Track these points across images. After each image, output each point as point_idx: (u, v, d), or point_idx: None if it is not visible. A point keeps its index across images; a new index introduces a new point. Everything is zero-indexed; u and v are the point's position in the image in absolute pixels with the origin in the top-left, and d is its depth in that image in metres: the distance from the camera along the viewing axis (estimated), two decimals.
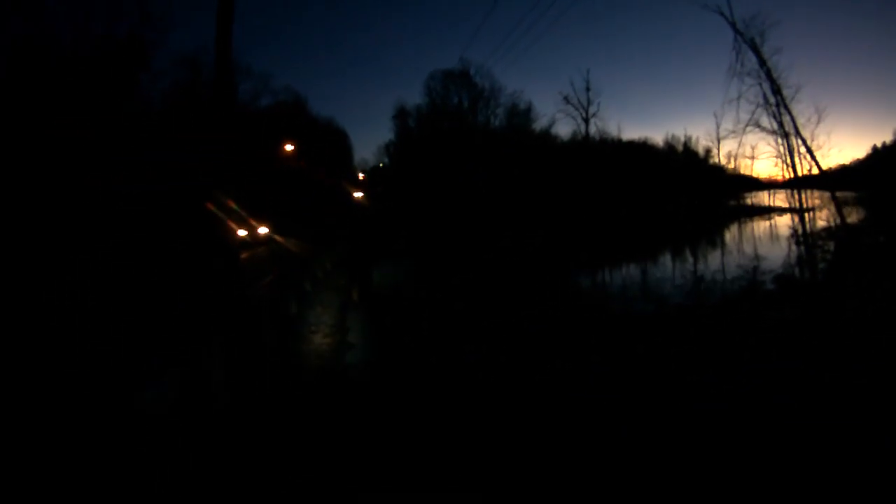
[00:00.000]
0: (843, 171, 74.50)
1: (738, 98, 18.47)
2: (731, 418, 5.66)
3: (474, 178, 42.75)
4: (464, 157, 45.36)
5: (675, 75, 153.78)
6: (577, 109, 43.95)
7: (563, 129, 55.09)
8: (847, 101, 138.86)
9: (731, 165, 44.79)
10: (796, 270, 14.15)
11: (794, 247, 18.47)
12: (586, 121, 44.28)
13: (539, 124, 45.88)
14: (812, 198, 46.26)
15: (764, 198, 42.42)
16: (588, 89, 43.79)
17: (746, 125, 20.22)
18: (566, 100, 44.04)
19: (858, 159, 68.25)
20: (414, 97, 79.79)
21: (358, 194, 48.80)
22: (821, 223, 27.11)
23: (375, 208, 42.39)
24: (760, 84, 18.80)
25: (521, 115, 46.06)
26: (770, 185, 42.51)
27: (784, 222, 31.63)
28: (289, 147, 34.19)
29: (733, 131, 22.33)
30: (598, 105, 43.76)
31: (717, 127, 46.82)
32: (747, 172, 43.60)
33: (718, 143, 42.80)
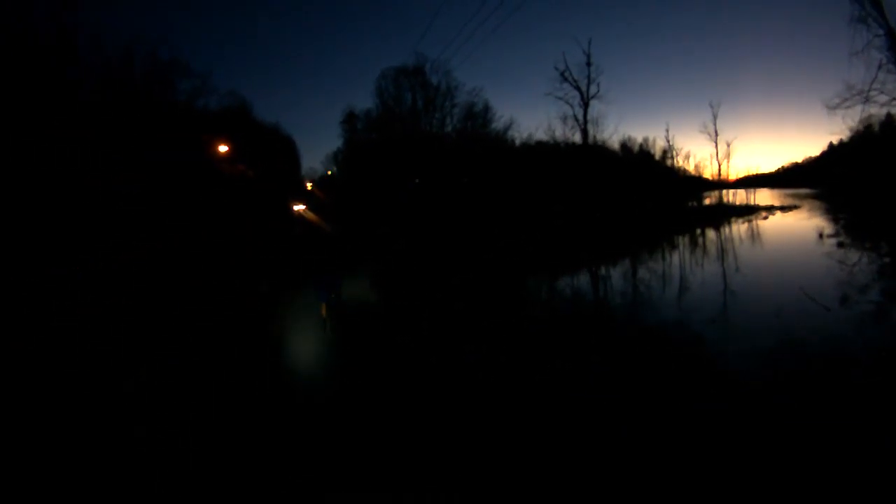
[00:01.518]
0: (796, 168, 76.05)
1: (863, 49, 15.74)
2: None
3: (410, 186, 39.88)
4: (415, 163, 42.61)
5: (651, 73, 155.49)
6: (575, 89, 36.99)
7: (521, 130, 52.45)
8: (796, 100, 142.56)
9: (683, 166, 43.55)
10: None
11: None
12: (585, 103, 37.08)
13: (498, 125, 42.82)
14: (773, 195, 45.60)
15: (724, 196, 40.70)
16: (589, 64, 36.38)
17: (869, 89, 17.33)
18: (563, 76, 36.83)
19: (811, 157, 69.36)
20: (366, 103, 76.56)
21: (299, 207, 44.84)
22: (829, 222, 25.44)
23: (316, 222, 38.91)
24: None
25: (478, 116, 42.75)
26: (719, 184, 41.08)
27: (784, 221, 28.65)
28: (223, 148, 30.26)
29: (847, 99, 19.30)
30: (599, 86, 36.72)
31: (714, 118, 43.48)
32: (695, 173, 42.33)
33: (716, 135, 38.87)
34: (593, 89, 36.64)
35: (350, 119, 48.72)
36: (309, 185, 56.33)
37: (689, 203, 39.29)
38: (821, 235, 19.95)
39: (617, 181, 39.32)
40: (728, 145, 46.30)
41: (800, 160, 74.15)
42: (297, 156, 55.45)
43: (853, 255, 14.74)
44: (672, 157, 48.86)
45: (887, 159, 35.04)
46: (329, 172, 55.34)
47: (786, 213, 32.60)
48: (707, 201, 38.86)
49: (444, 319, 9.82)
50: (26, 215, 18.86)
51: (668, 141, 48.74)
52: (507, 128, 42.18)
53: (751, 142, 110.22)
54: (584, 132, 37.59)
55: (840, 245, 16.95)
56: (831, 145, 56.67)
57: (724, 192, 41.06)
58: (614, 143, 42.40)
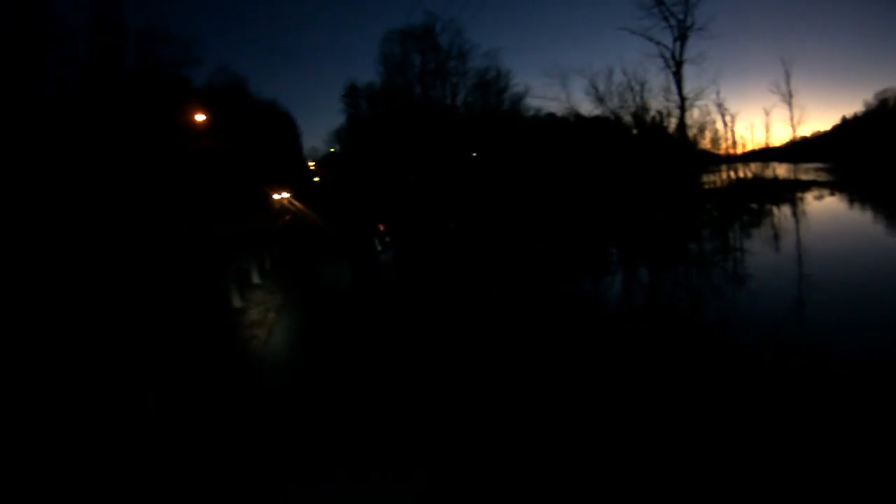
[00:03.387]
0: (804, 143, 75.27)
1: None
2: None
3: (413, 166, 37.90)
4: (420, 138, 40.98)
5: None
6: (669, 18, 30.17)
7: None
8: (813, 74, 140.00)
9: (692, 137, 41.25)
10: None
11: None
12: (682, 36, 30.26)
13: (515, 91, 39.84)
14: (790, 170, 44.39)
15: (743, 170, 38.70)
16: None
17: None
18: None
19: (820, 132, 68.73)
20: (370, 77, 73.46)
21: (283, 195, 40.03)
22: None
23: (305, 213, 34.59)
24: None
25: (491, 84, 39.50)
26: (726, 158, 39.29)
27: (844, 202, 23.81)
28: (200, 118, 26.11)
29: None
30: (693, 20, 29.82)
31: (788, 77, 35.77)
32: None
33: (790, 96, 34.77)
34: (689, 20, 29.76)
35: (352, 92, 46.84)
36: (312, 165, 54.59)
37: (714, 177, 37.58)
38: None
39: (631, 156, 38.01)
40: (767, 114, 43.50)
41: (808, 134, 73.37)
42: (297, 134, 53.63)
43: None
44: (726, 125, 42.75)
45: None
46: (332, 150, 53.65)
47: (835, 191, 28.86)
48: (731, 174, 37.31)
49: None
50: None
51: (720, 105, 42.63)
52: (522, 96, 39.85)
53: (758, 114, 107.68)
54: (678, 77, 31.01)
55: None
56: (844, 119, 56.09)
57: (739, 165, 39.80)
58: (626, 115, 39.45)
